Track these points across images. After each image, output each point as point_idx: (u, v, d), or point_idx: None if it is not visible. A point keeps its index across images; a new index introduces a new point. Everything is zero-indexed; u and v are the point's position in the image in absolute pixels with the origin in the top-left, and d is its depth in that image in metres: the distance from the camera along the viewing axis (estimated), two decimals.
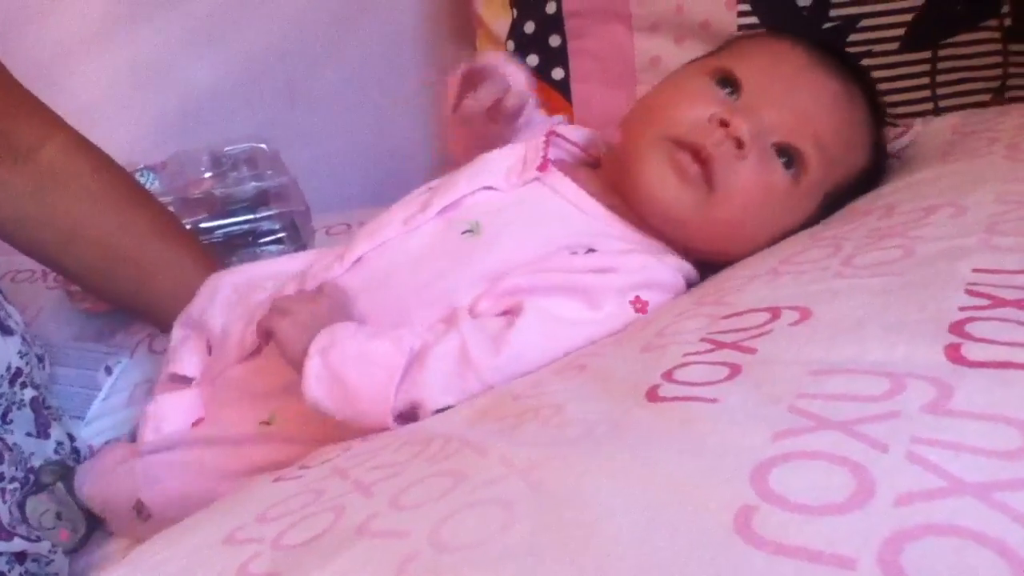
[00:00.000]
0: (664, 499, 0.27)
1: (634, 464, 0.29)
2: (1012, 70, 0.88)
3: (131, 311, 0.83)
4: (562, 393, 0.39)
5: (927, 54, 0.88)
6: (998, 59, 0.87)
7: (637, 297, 0.52)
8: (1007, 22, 0.86)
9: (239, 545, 0.37)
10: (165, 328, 0.77)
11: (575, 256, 0.55)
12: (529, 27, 0.94)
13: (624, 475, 0.29)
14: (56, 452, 0.73)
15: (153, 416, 0.66)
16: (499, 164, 0.62)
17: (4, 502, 0.63)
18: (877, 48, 0.88)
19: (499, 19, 0.96)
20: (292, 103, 1.16)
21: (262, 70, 1.15)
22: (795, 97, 0.56)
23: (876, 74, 0.88)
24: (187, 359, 0.70)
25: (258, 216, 0.93)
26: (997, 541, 0.23)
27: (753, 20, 0.88)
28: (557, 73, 0.95)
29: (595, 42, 0.93)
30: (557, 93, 0.95)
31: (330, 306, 0.56)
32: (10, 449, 0.68)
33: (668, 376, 0.35)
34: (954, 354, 0.31)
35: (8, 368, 0.69)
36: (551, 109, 0.92)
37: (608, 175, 0.61)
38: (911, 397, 0.29)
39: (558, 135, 0.65)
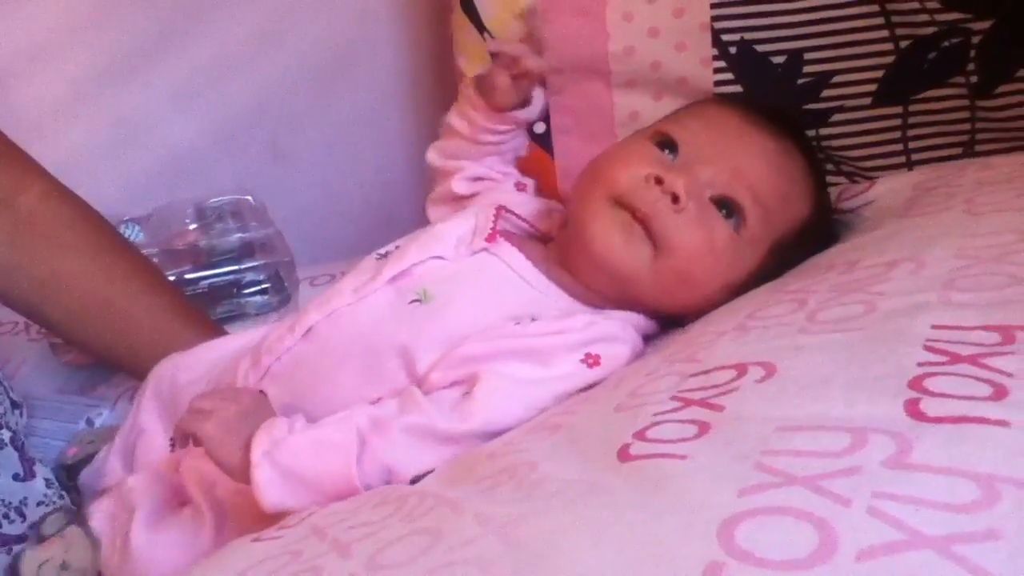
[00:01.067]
0: (637, 555, 0.28)
1: (607, 522, 0.30)
2: (980, 125, 0.90)
3: (111, 362, 0.83)
4: (536, 451, 0.39)
5: (898, 109, 0.90)
6: (966, 114, 0.90)
7: (587, 354, 0.54)
8: (973, 79, 0.89)
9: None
10: (144, 379, 0.78)
11: (518, 326, 0.56)
12: None
13: (598, 533, 0.29)
14: (47, 488, 0.72)
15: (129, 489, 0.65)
16: (450, 234, 0.64)
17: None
18: (849, 103, 0.90)
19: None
20: (275, 157, 1.17)
21: (246, 125, 1.17)
22: (729, 154, 0.59)
23: (849, 128, 0.90)
24: (153, 454, 0.70)
25: (243, 267, 0.94)
26: None
27: (729, 76, 0.90)
28: (539, 127, 0.97)
29: (575, 98, 0.95)
30: (539, 147, 0.97)
31: (252, 400, 0.56)
32: None
33: (640, 435, 0.36)
34: (913, 409, 0.32)
35: None
36: (533, 161, 0.95)
37: (557, 249, 0.63)
38: (872, 452, 0.30)
39: (507, 210, 0.67)
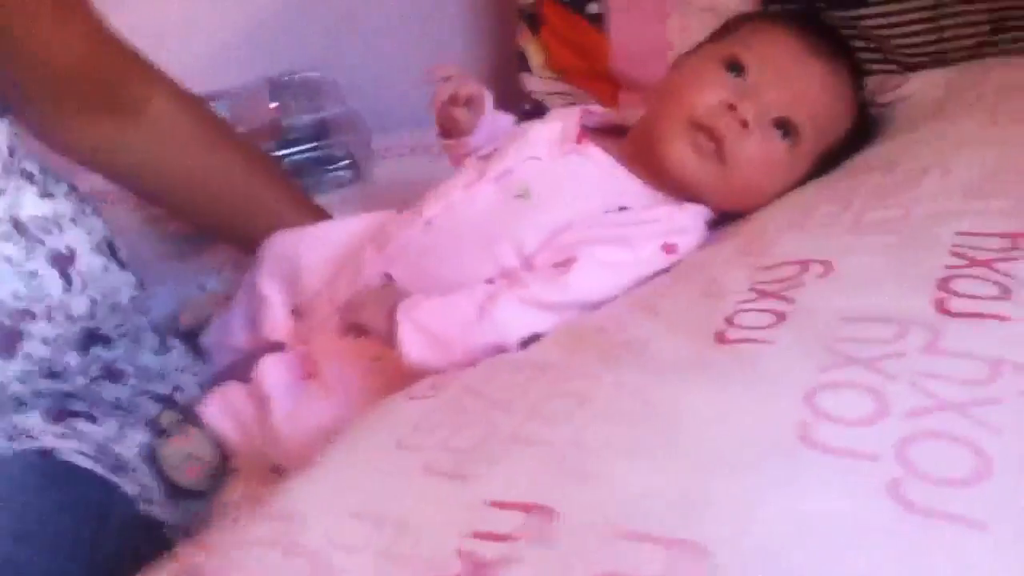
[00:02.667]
0: (744, 415, 0.40)
1: (718, 389, 0.42)
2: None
3: (229, 241, 0.93)
4: (644, 330, 0.51)
5: None
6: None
7: (666, 243, 0.65)
8: None
9: (411, 451, 0.49)
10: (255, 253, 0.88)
11: (610, 214, 0.67)
12: None
13: (712, 397, 0.41)
14: (179, 358, 0.84)
15: (264, 375, 0.75)
16: (541, 136, 0.73)
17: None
18: None
19: None
20: (348, 31, 1.22)
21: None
22: (790, 79, 0.67)
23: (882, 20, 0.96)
24: (277, 325, 0.80)
25: (321, 144, 1.03)
26: (970, 441, 0.36)
27: None
28: (592, 7, 1.03)
29: None
30: (593, 27, 1.04)
31: (395, 288, 0.68)
32: (143, 370, 0.79)
33: (729, 321, 0.47)
34: (940, 306, 0.43)
35: (130, 299, 0.79)
36: (588, 43, 1.02)
37: (633, 145, 0.72)
38: (911, 340, 0.41)
39: (588, 111, 0.75)
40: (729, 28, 0.74)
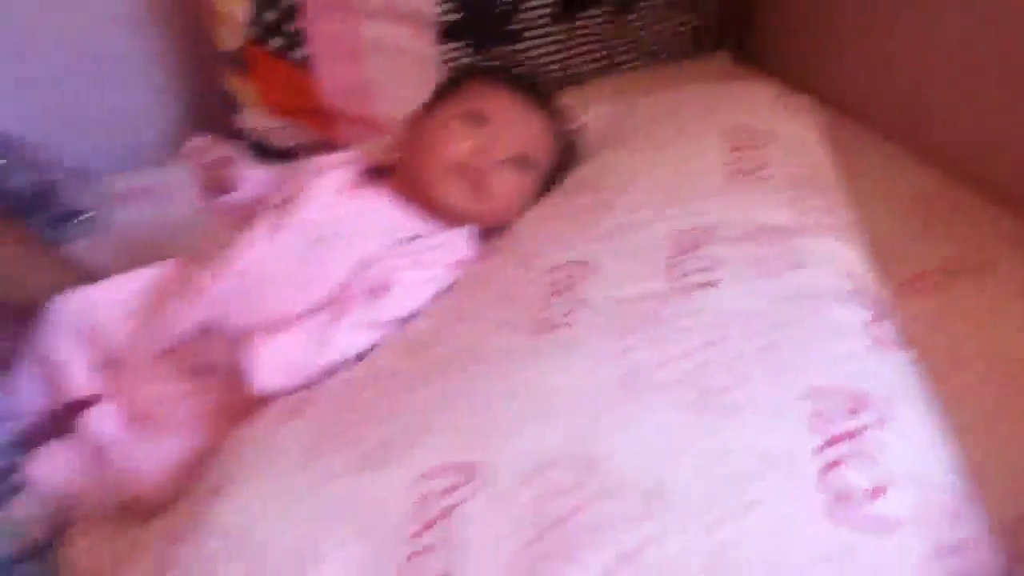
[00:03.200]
0: (578, 378, 0.60)
1: (545, 368, 0.62)
2: (616, 41, 1.27)
3: None
4: (471, 336, 0.70)
5: (569, 25, 1.24)
6: (612, 28, 1.26)
7: (455, 260, 0.82)
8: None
9: (323, 458, 0.63)
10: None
11: (403, 244, 0.83)
12: (269, 15, 1.14)
13: (554, 369, 0.61)
14: None
15: (90, 428, 0.81)
16: (327, 185, 0.86)
17: None
18: (534, 24, 1.22)
19: (234, 6, 1.15)
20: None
21: None
22: (521, 125, 0.86)
23: (536, 43, 1.22)
24: (79, 383, 0.85)
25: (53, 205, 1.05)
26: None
27: (449, 5, 1.17)
28: (297, 54, 1.17)
29: (329, 26, 1.16)
30: (301, 69, 1.17)
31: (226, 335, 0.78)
32: None
33: (542, 317, 0.68)
34: (672, 280, 0.67)
35: None
36: (296, 84, 1.16)
37: (403, 185, 0.87)
38: (664, 307, 0.64)
39: (358, 156, 0.91)
40: (457, 85, 0.92)
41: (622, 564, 0.49)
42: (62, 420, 0.89)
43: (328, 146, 1.15)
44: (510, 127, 0.85)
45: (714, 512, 0.50)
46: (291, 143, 1.24)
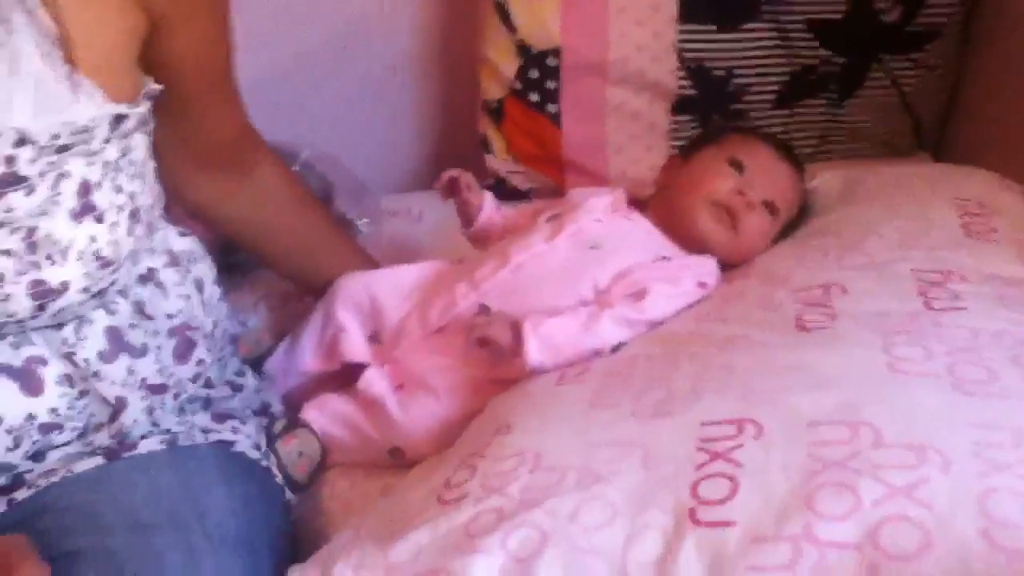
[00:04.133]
0: (842, 362, 0.70)
1: (821, 352, 0.72)
2: (832, 126, 1.40)
3: (300, 284, 1.11)
4: (731, 330, 0.81)
5: (787, 111, 1.37)
6: (826, 117, 1.39)
7: (700, 281, 0.95)
8: (833, 95, 1.37)
9: (605, 408, 0.75)
10: (319, 295, 1.07)
11: (657, 261, 0.96)
12: (533, 73, 1.32)
13: (819, 356, 0.71)
14: (257, 381, 1.00)
15: (373, 385, 0.95)
16: (598, 205, 1.02)
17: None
18: (758, 106, 1.35)
19: (505, 62, 1.33)
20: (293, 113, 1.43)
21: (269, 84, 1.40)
22: (772, 174, 1.00)
23: (759, 123, 1.35)
24: (356, 349, 1.00)
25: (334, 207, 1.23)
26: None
27: (687, 82, 1.32)
28: (551, 108, 1.34)
29: (579, 89, 1.33)
30: (551, 123, 1.34)
31: (506, 314, 0.91)
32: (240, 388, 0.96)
33: (800, 319, 0.78)
34: (927, 304, 0.76)
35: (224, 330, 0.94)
36: (544, 135, 1.32)
37: (657, 215, 1.02)
38: (916, 321, 0.74)
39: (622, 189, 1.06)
40: (714, 137, 1.06)
41: (895, 496, 0.58)
42: (334, 380, 1.04)
43: (558, 193, 1.31)
44: (765, 175, 0.99)
45: (978, 466, 0.58)
46: (528, 186, 1.40)
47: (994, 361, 0.68)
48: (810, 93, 1.36)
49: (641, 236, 0.99)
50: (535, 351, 0.87)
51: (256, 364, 1.06)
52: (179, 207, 0.99)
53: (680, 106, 1.34)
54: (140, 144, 0.76)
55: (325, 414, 0.98)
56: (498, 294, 0.97)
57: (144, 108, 0.75)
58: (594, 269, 0.95)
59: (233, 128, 0.95)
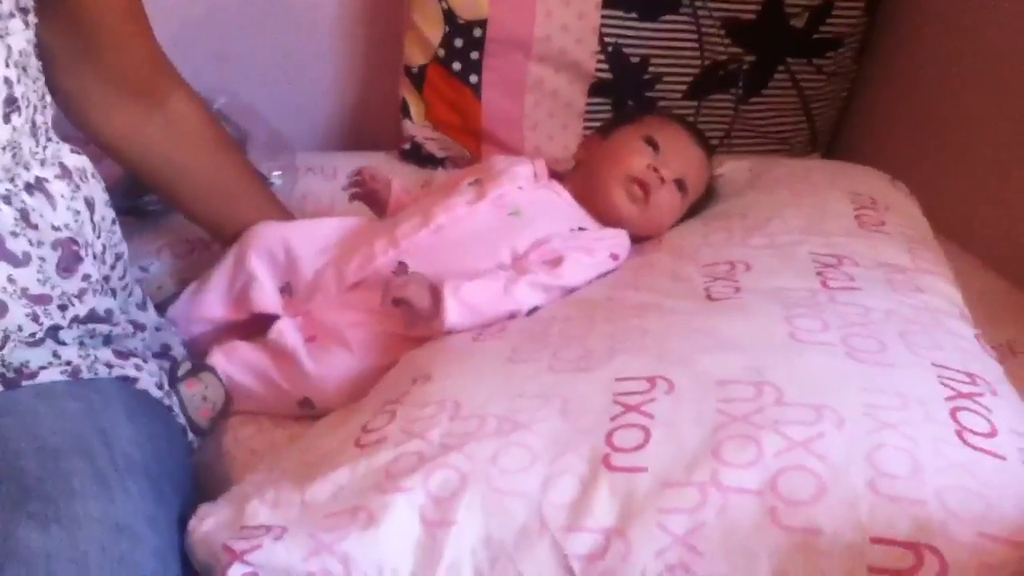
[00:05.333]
0: (750, 327, 0.75)
1: (729, 319, 0.77)
2: (737, 124, 1.47)
3: (210, 228, 1.09)
4: (645, 297, 0.85)
5: (695, 103, 1.43)
6: (731, 113, 1.45)
7: (612, 252, 0.99)
8: (740, 91, 1.44)
9: (524, 362, 0.77)
10: (230, 244, 1.06)
11: (574, 231, 1.00)
12: (458, 42, 1.33)
13: (728, 322, 0.76)
14: (159, 320, 0.99)
15: (284, 334, 0.96)
16: (522, 174, 1.04)
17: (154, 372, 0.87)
18: (669, 96, 1.41)
19: (431, 30, 1.34)
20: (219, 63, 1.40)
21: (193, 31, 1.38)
22: (684, 154, 1.05)
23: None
24: (268, 299, 1.00)
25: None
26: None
27: (604, 66, 1.36)
28: (472, 79, 1.36)
29: (502, 63, 1.35)
30: (471, 93, 1.36)
31: (424, 275, 0.92)
32: (143, 327, 0.94)
33: (708, 291, 0.83)
34: (824, 284, 0.82)
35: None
36: (463, 105, 1.34)
37: (575, 188, 1.05)
38: (815, 296, 0.80)
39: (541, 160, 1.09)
40: (632, 117, 1.11)
41: (794, 448, 0.63)
42: (240, 330, 1.04)
43: (472, 162, 1.33)
44: (678, 155, 1.04)
45: (869, 424, 0.64)
46: (442, 154, 1.42)
47: (884, 335, 0.74)
48: (719, 88, 1.43)
49: (560, 206, 1.03)
50: (453, 313, 0.89)
51: (158, 310, 1.03)
52: (92, 143, 0.96)
53: (596, 88, 1.38)
54: (18, 31, 0.74)
55: (233, 361, 0.97)
56: (417, 253, 0.98)
57: None
58: (513, 235, 0.98)
59: (143, 53, 0.93)
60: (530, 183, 1.04)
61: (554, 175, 1.07)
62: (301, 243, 1.04)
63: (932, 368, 0.70)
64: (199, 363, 0.97)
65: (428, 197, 1.06)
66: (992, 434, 0.64)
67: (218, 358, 0.97)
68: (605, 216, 1.03)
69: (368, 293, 0.97)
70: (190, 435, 0.89)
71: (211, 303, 1.04)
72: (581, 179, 1.06)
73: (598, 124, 1.38)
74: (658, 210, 1.02)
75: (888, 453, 0.62)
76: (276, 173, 1.21)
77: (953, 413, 0.66)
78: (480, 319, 0.90)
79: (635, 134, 1.05)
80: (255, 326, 1.01)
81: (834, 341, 0.73)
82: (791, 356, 0.72)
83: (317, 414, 0.94)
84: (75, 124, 0.95)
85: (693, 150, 1.06)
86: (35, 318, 0.77)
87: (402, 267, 0.98)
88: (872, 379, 0.69)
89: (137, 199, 1.18)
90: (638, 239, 1.04)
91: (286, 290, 1.02)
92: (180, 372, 0.94)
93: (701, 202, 1.09)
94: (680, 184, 1.03)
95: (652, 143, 1.04)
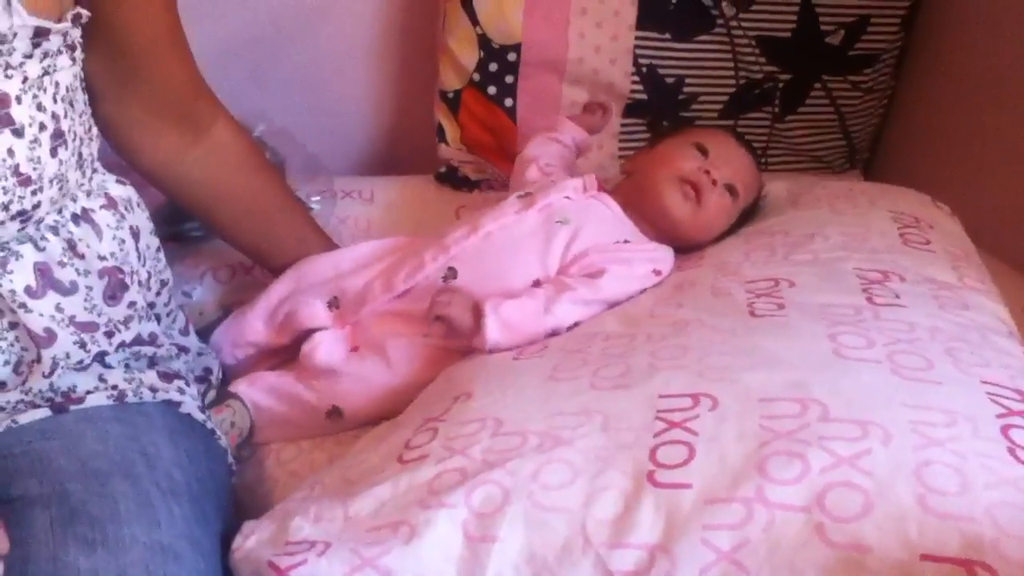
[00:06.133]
0: (793, 345, 0.74)
1: (772, 336, 0.76)
2: (772, 140, 1.46)
3: (250, 255, 1.10)
4: (686, 314, 0.84)
5: (731, 122, 1.43)
6: (767, 131, 1.45)
7: (655, 268, 0.99)
8: (776, 110, 1.44)
9: (565, 381, 0.77)
10: (272, 270, 1.07)
11: (618, 243, 1.00)
12: (493, 66, 1.34)
13: (770, 340, 0.76)
14: (201, 345, 1.00)
15: (321, 343, 0.97)
16: (571, 185, 1.05)
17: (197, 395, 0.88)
18: (705, 114, 1.41)
19: (466, 54, 1.35)
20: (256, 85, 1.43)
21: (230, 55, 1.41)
22: (734, 160, 1.06)
23: None
24: (316, 316, 1.01)
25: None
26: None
27: (639, 87, 1.37)
28: (508, 102, 1.37)
29: (536, 85, 1.36)
30: (507, 116, 1.37)
31: (467, 293, 0.93)
32: (186, 350, 0.96)
33: (751, 307, 0.83)
34: (870, 300, 0.81)
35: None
36: (499, 128, 1.35)
37: (624, 199, 1.06)
38: (861, 313, 0.79)
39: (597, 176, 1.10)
40: (680, 130, 1.12)
41: (840, 464, 0.62)
42: (280, 356, 1.05)
43: (508, 185, 1.33)
44: (727, 160, 1.05)
45: (916, 440, 0.63)
46: (478, 176, 1.43)
47: (930, 352, 0.73)
48: (754, 106, 1.43)
49: (607, 217, 1.03)
50: (494, 331, 0.90)
51: (201, 336, 1.05)
52: (134, 170, 0.98)
53: (631, 109, 1.38)
54: (65, 67, 0.75)
55: (256, 386, 0.99)
56: (466, 259, 0.99)
57: (68, 27, 0.74)
58: (558, 243, 0.99)
59: (184, 79, 0.94)
60: (578, 193, 1.05)
61: (602, 189, 1.08)
62: (349, 260, 1.05)
63: (981, 385, 0.69)
64: (225, 391, 0.98)
65: (477, 211, 1.07)
66: None
67: (241, 386, 0.99)
68: (657, 220, 1.03)
69: (415, 302, 0.98)
70: (230, 457, 0.90)
71: (255, 328, 1.05)
72: (631, 188, 1.07)
73: (633, 145, 1.39)
74: (709, 212, 1.03)
75: (936, 469, 0.61)
76: (315, 198, 1.22)
77: (1004, 430, 0.64)
78: (520, 337, 0.90)
79: (684, 141, 1.07)
80: (297, 351, 1.02)
81: (880, 358, 0.72)
82: (835, 373, 0.71)
83: (347, 426, 0.95)
84: (117, 151, 0.96)
85: (742, 156, 1.07)
86: (82, 345, 0.78)
87: (451, 273, 0.99)
88: (919, 396, 0.68)
89: (179, 225, 1.20)
90: (686, 249, 1.04)
91: (333, 304, 1.03)
92: (207, 399, 0.95)
93: (751, 210, 1.09)
94: (731, 189, 1.04)
95: (702, 149, 1.05)
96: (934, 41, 1.42)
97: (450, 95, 1.38)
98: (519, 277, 0.96)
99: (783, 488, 0.62)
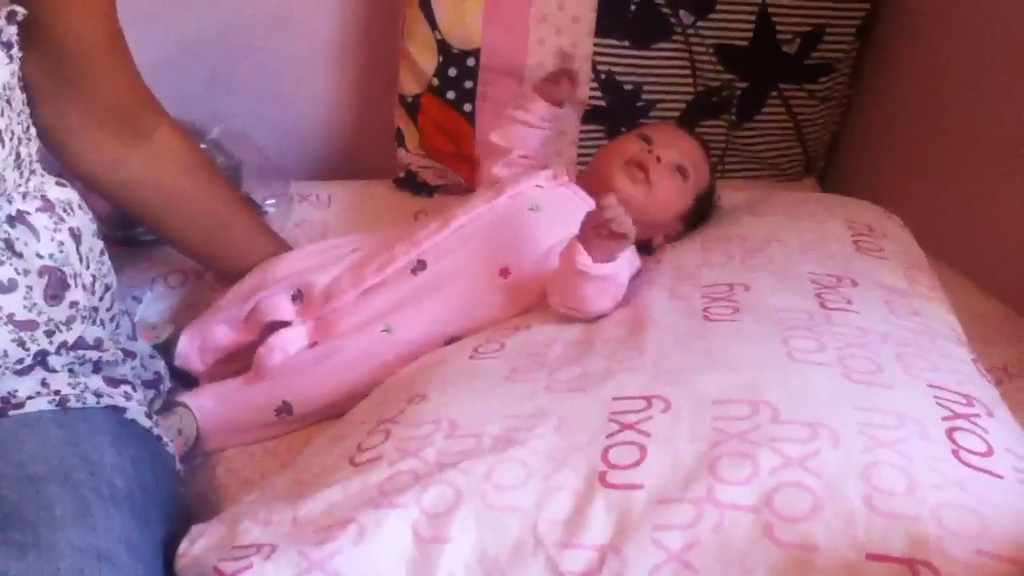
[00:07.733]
0: (745, 347, 0.75)
1: (723, 340, 0.77)
2: (730, 148, 1.48)
3: (202, 260, 1.09)
4: (643, 317, 0.85)
5: (688, 128, 1.43)
6: (724, 139, 1.46)
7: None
8: (733, 117, 1.45)
9: (522, 382, 0.77)
10: (224, 275, 1.06)
11: None
12: (452, 71, 1.34)
13: (721, 343, 0.76)
14: (151, 350, 0.98)
15: (278, 344, 0.96)
16: (542, 175, 1.07)
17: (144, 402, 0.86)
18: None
19: (425, 59, 1.35)
20: (209, 87, 1.42)
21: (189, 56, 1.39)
22: (679, 144, 1.08)
23: None
24: (281, 308, 1.00)
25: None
26: None
27: (598, 93, 1.37)
28: (467, 107, 1.36)
29: (495, 90, 1.36)
30: (466, 122, 1.37)
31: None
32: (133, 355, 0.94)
33: (706, 311, 0.83)
34: (822, 304, 0.82)
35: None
36: (457, 133, 1.34)
37: (586, 188, 1.07)
38: (812, 318, 0.80)
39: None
40: (634, 128, 1.14)
41: (789, 466, 0.63)
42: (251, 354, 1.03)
43: (468, 190, 1.34)
44: (672, 144, 1.07)
45: (864, 442, 0.64)
46: (438, 182, 1.42)
47: (881, 356, 0.74)
48: (712, 114, 1.44)
49: (579, 205, 1.03)
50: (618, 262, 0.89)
51: (163, 351, 1.02)
52: (78, 179, 0.96)
53: (590, 116, 1.39)
54: (2, 66, 0.74)
55: (201, 393, 0.98)
56: (437, 252, 1.00)
57: (2, 24, 0.73)
58: (536, 229, 1.00)
59: (123, 86, 0.92)
60: (549, 182, 1.06)
61: (573, 179, 1.10)
62: (312, 254, 1.06)
63: (929, 389, 0.70)
64: (171, 400, 0.97)
65: (447, 207, 1.07)
66: (988, 454, 0.64)
67: (187, 395, 0.98)
68: None
69: (382, 297, 0.98)
70: (178, 464, 0.88)
71: (222, 330, 1.03)
72: (586, 181, 1.09)
73: (592, 151, 1.40)
74: (661, 191, 1.04)
75: (883, 470, 0.62)
76: (270, 201, 1.21)
77: (950, 433, 0.65)
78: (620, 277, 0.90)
79: (631, 134, 1.11)
80: None
81: (831, 361, 0.73)
82: (787, 375, 0.71)
83: (295, 422, 0.95)
84: (56, 157, 0.94)
85: (687, 140, 1.10)
86: (21, 343, 0.77)
87: (421, 265, 0.99)
88: (868, 398, 0.68)
89: (131, 229, 1.18)
90: (647, 249, 1.05)
91: (297, 297, 1.02)
92: (155, 406, 0.93)
93: (707, 200, 1.11)
94: (681, 170, 1.06)
95: (646, 138, 1.08)
96: (889, 51, 1.44)
97: (409, 100, 1.38)
98: (489, 266, 0.97)
99: (733, 488, 0.62)
